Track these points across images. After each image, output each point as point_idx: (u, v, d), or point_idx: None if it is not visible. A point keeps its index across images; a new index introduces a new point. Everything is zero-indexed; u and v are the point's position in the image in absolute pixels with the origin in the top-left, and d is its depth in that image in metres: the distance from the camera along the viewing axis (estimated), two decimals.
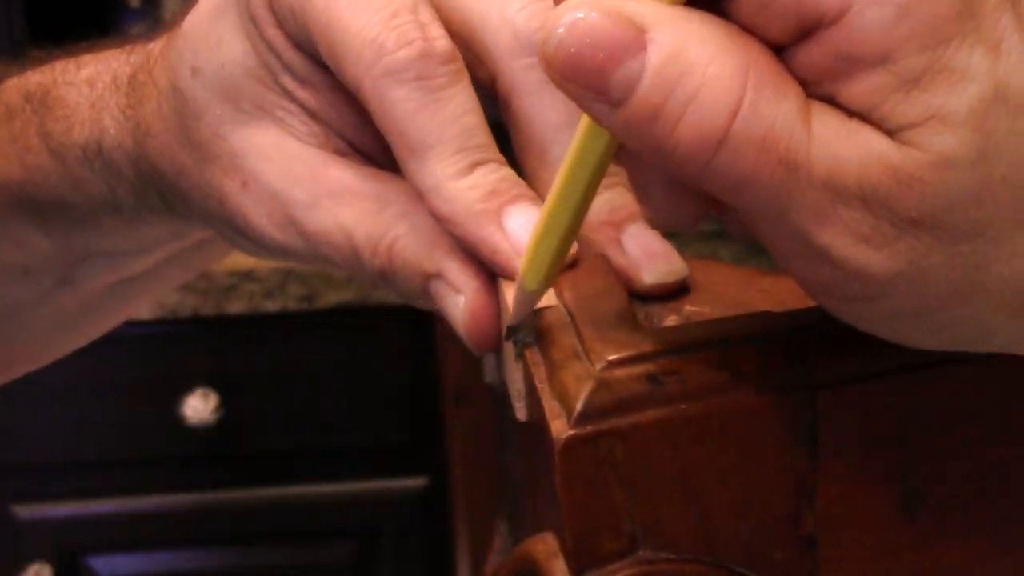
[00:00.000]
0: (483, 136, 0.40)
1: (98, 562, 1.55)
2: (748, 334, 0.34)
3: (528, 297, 0.36)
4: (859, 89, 0.29)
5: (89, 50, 0.53)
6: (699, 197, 0.33)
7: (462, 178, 0.39)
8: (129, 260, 0.55)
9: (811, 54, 0.29)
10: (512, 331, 0.37)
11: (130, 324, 1.46)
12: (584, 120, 0.32)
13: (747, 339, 0.34)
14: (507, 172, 0.40)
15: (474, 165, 0.39)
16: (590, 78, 0.29)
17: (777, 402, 0.33)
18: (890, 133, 0.29)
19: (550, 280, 0.36)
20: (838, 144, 0.29)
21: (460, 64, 0.40)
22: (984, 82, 0.28)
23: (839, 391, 0.33)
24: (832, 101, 0.29)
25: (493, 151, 0.40)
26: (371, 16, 0.39)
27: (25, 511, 1.54)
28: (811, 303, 0.36)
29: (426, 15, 0.40)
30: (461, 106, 0.39)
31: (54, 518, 1.54)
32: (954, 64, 0.28)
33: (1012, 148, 0.29)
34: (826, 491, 0.34)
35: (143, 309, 1.46)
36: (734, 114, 0.29)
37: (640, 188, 0.33)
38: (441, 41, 0.39)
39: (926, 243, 0.29)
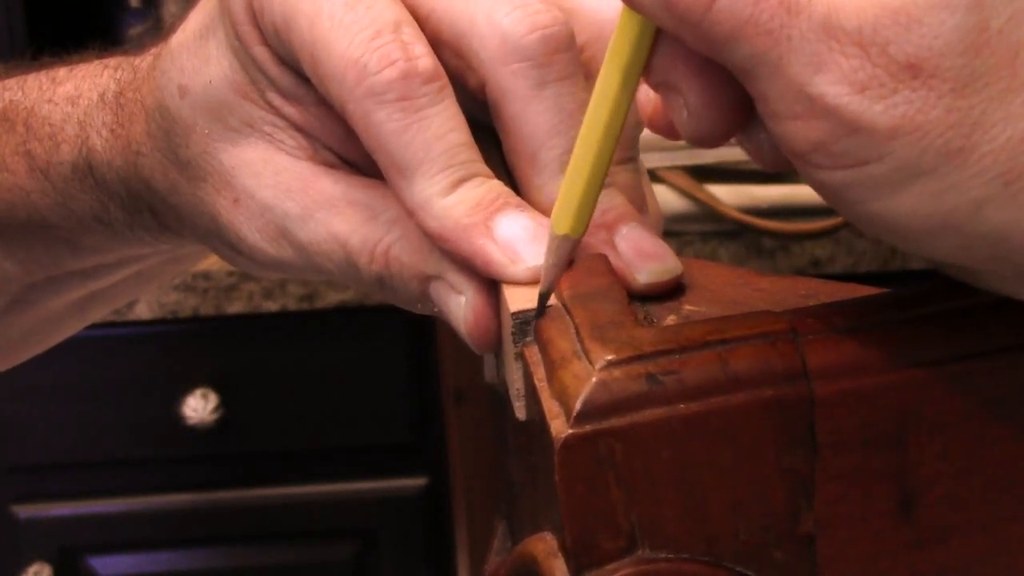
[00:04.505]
0: (468, 152, 0.40)
1: (98, 562, 1.55)
2: (747, 334, 0.34)
3: (559, 244, 0.37)
4: None
5: (51, 64, 0.53)
6: (729, 101, 0.33)
7: (449, 195, 0.39)
8: (103, 275, 0.55)
9: None
10: (542, 299, 0.37)
11: (130, 324, 1.47)
12: (612, 40, 0.34)
13: (746, 339, 0.34)
14: (493, 184, 0.40)
15: (460, 181, 0.39)
16: None
17: (776, 402, 0.33)
18: None
19: (580, 223, 0.37)
20: None
21: (444, 81, 0.40)
22: None
23: (838, 390, 0.33)
24: None
25: (479, 166, 0.40)
26: (354, 36, 0.39)
27: (25, 511, 1.54)
28: (809, 303, 0.36)
29: (409, 34, 0.40)
30: (444, 124, 0.39)
31: (54, 518, 1.54)
32: None
33: (1010, 1, 0.30)
34: (825, 491, 0.34)
35: (144, 312, 1.46)
36: None
37: (673, 96, 0.34)
38: (424, 60, 0.39)
39: (923, 95, 0.30)
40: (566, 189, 0.37)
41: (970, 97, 0.30)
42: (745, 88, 0.32)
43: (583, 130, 0.36)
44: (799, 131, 0.31)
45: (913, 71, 0.30)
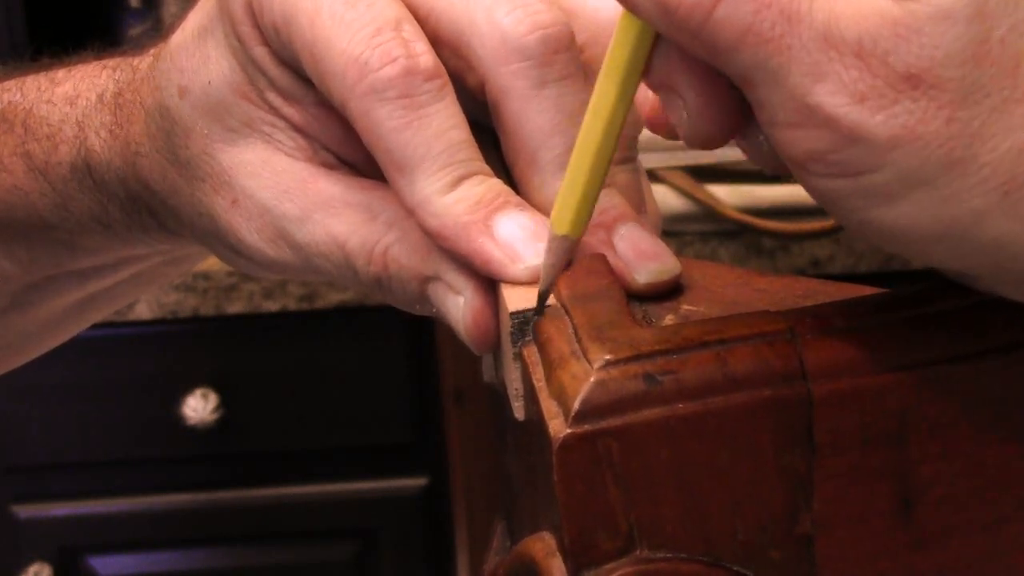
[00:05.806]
0: (468, 150, 0.40)
1: (98, 562, 1.55)
2: (745, 334, 0.34)
3: (558, 244, 0.37)
4: None
5: (49, 65, 0.53)
6: (729, 103, 0.33)
7: (449, 193, 0.39)
8: (102, 276, 0.55)
9: None
10: (541, 298, 0.37)
11: (130, 324, 1.47)
12: (612, 43, 0.34)
13: (744, 338, 0.34)
14: (493, 182, 0.40)
15: (460, 179, 0.39)
16: None
17: (774, 401, 0.33)
18: None
19: (580, 223, 0.37)
20: (839, 0, 0.30)
21: (444, 79, 0.40)
22: None
23: (836, 390, 0.33)
24: None
25: (479, 164, 0.40)
26: (355, 34, 0.39)
27: (25, 511, 1.54)
28: (808, 303, 0.36)
29: (410, 31, 0.40)
30: (445, 122, 0.39)
31: (54, 518, 1.54)
32: None
33: (1011, 12, 0.30)
34: (823, 490, 0.34)
35: (144, 312, 1.46)
36: None
37: (672, 98, 0.34)
38: (425, 57, 0.39)
39: (923, 106, 0.30)
40: (566, 189, 0.37)
41: (971, 108, 0.30)
42: (744, 94, 0.32)
43: (583, 131, 0.36)
44: (798, 139, 0.31)
45: (913, 82, 0.30)
